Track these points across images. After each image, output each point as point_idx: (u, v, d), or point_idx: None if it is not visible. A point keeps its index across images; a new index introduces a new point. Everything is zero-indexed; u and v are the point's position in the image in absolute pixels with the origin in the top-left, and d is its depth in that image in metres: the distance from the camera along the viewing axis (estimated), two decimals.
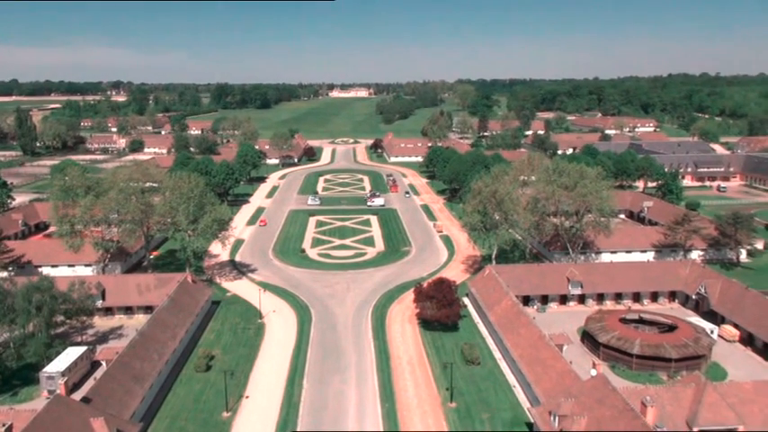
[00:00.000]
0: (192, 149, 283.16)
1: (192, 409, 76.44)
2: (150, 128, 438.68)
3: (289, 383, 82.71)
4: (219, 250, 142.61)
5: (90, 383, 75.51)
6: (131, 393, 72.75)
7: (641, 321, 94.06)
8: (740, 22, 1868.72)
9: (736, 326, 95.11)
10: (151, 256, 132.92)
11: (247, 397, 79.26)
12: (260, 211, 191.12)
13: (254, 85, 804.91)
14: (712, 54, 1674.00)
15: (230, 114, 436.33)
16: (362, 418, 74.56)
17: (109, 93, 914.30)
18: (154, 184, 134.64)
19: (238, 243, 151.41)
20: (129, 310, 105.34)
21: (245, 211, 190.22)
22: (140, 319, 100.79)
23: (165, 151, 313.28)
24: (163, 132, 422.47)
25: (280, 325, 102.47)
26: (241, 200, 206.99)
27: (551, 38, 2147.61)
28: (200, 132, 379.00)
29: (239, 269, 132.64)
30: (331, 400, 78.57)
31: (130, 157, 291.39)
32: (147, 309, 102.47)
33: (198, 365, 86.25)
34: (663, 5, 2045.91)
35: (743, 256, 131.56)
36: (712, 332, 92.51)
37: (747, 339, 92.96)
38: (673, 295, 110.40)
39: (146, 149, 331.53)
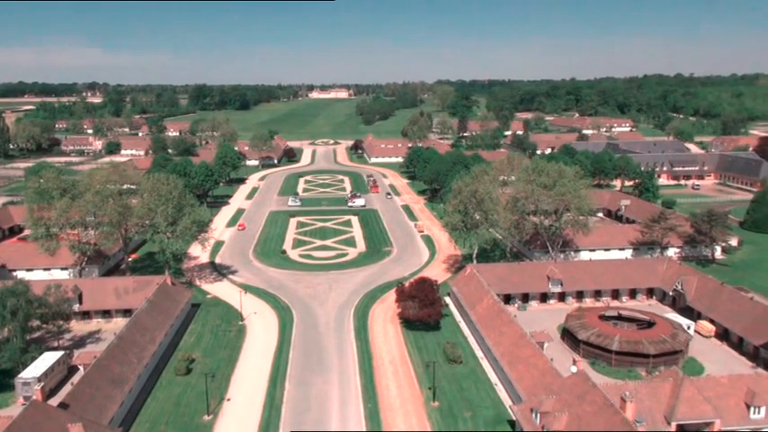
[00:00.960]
0: (170, 151, 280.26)
1: (173, 412, 75.56)
2: (127, 129, 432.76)
3: (271, 385, 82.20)
4: (199, 252, 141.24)
5: (67, 389, 74.35)
6: (110, 398, 71.66)
7: (620, 318, 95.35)
8: (712, 23, 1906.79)
9: (712, 321, 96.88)
10: (129, 259, 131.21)
11: (229, 399, 78.59)
12: (240, 212, 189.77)
13: (233, 87, 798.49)
14: (686, 55, 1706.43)
15: (209, 116, 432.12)
16: (345, 418, 74.39)
17: (84, 94, 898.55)
18: (131, 186, 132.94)
19: (218, 245, 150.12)
20: (107, 313, 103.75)
21: (225, 213, 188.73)
22: (119, 322, 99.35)
23: (142, 153, 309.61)
24: (140, 134, 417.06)
25: (261, 327, 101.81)
26: (221, 201, 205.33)
27: (529, 39, 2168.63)
28: (178, 134, 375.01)
29: (219, 271, 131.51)
30: (313, 401, 78.27)
31: (107, 159, 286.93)
32: (126, 312, 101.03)
33: (178, 368, 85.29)
34: (638, 7, 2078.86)
35: (718, 253, 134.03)
36: (689, 328, 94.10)
37: (723, 334, 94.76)
38: (650, 292, 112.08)
39: (123, 151, 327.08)
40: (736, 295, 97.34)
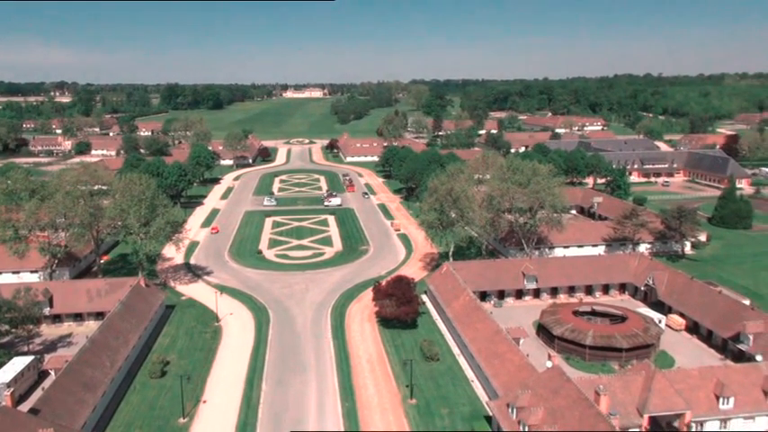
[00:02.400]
0: (142, 151, 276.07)
1: (147, 416, 74.49)
2: (97, 129, 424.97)
3: (247, 386, 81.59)
4: (173, 253, 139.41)
5: (38, 394, 72.61)
6: (82, 403, 70.34)
7: (593, 313, 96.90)
8: (680, 25, 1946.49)
9: (682, 315, 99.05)
10: (101, 261, 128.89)
11: (205, 401, 77.77)
12: (215, 212, 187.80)
13: (206, 86, 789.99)
14: (655, 55, 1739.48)
15: (181, 115, 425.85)
16: (323, 418, 74.22)
17: (52, 93, 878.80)
18: (103, 187, 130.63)
19: (193, 245, 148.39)
20: (78, 316, 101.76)
21: (200, 213, 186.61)
22: (91, 325, 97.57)
23: (113, 153, 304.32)
24: (111, 134, 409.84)
25: (237, 327, 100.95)
26: (195, 202, 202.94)
27: (503, 40, 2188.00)
28: (150, 133, 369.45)
29: (194, 272, 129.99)
30: (291, 401, 77.91)
31: (77, 160, 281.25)
32: (98, 315, 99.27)
33: (152, 371, 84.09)
34: (608, 9, 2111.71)
35: (687, 249, 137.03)
36: (660, 322, 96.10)
37: (693, 328, 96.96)
38: (623, 287, 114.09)
39: (93, 151, 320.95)
40: (706, 289, 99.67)
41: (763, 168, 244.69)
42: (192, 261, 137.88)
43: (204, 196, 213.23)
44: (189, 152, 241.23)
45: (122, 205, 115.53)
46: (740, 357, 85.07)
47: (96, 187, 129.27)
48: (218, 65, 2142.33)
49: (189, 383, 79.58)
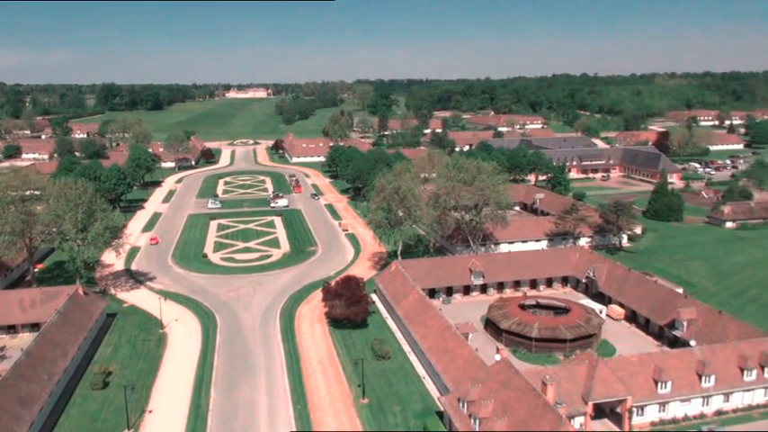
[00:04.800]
0: (77, 154, 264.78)
1: (90, 429, 71.70)
2: (28, 132, 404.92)
3: (195, 394, 79.64)
4: (113, 259, 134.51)
5: None
6: (18, 419, 66.86)
7: (538, 306, 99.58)
8: (613, 27, 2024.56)
9: (621, 305, 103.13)
10: (35, 270, 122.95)
11: (150, 411, 75.44)
12: (156, 216, 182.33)
13: (145, 86, 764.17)
14: (590, 56, 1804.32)
15: (119, 116, 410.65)
16: (274, 422, 73.32)
17: None
18: (35, 192, 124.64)
19: (134, 251, 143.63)
20: (12, 329, 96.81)
21: (141, 217, 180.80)
22: (26, 337, 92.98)
23: (46, 157, 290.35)
24: (43, 136, 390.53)
25: (183, 334, 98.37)
26: (135, 205, 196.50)
27: (446, 40, 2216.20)
28: (85, 136, 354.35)
29: (136, 278, 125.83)
30: (241, 406, 76.57)
31: (6, 164, 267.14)
32: (34, 326, 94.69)
33: (94, 383, 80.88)
34: (545, 11, 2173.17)
35: (624, 241, 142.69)
36: (601, 312, 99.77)
37: (631, 317, 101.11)
38: (565, 280, 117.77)
39: (23, 155, 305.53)
40: (642, 280, 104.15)
41: (693, 163, 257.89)
42: (134, 267, 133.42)
43: (145, 200, 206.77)
44: (128, 155, 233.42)
45: (57, 211, 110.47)
46: (675, 343, 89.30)
47: (28, 192, 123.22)
48: (157, 64, 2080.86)
49: (133, 393, 77.03)
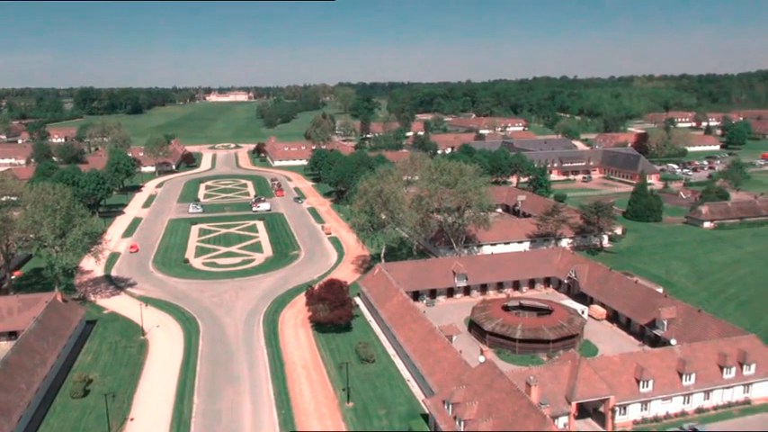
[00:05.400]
0: (54, 159, 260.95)
1: None
2: (4, 137, 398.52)
3: (178, 400, 78.71)
4: (93, 265, 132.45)
5: None
6: None
7: (521, 307, 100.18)
8: (592, 30, 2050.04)
9: (602, 305, 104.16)
10: (13, 277, 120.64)
11: (132, 419, 74.40)
12: (137, 221, 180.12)
13: (124, 90, 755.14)
14: (570, 59, 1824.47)
15: (98, 120, 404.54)
16: (259, 428, 72.72)
17: None
18: (12, 198, 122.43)
19: (114, 257, 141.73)
20: None
21: (121, 223, 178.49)
22: (3, 346, 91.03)
23: (23, 162, 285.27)
24: (20, 141, 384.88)
25: (165, 340, 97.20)
26: (115, 211, 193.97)
27: (427, 43, 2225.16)
28: (63, 140, 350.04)
29: (116, 284, 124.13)
30: (224, 412, 75.83)
31: None
32: (11, 335, 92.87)
33: (74, 391, 79.55)
34: (525, 14, 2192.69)
35: (605, 242, 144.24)
36: (583, 312, 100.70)
37: (613, 316, 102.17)
38: (547, 281, 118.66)
39: (0, 160, 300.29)
40: (623, 280, 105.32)
41: (671, 164, 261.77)
42: (114, 273, 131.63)
43: (125, 205, 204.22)
44: (107, 159, 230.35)
45: (34, 216, 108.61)
46: (656, 342, 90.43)
47: (5, 198, 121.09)
48: (136, 67, 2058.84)
49: (114, 401, 75.97)
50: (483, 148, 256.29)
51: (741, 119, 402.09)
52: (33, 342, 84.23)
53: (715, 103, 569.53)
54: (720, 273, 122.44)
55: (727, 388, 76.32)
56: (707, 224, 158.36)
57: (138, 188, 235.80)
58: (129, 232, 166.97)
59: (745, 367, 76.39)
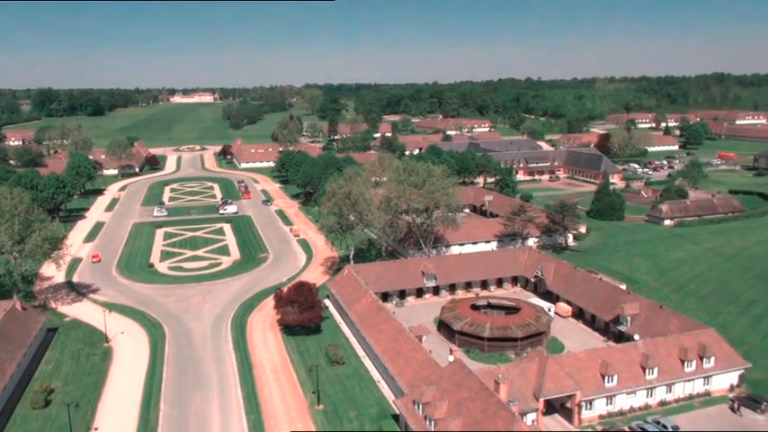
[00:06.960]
0: (11, 162, 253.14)
1: None
2: None
3: (143, 408, 77.13)
4: (53, 272, 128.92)
5: None
6: None
7: (490, 306, 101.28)
8: (554, 32, 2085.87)
9: (568, 302, 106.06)
10: None
11: (96, 429, 72.62)
12: (99, 225, 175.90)
13: (84, 91, 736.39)
14: (534, 61, 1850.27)
15: (57, 122, 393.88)
16: None
17: None
18: None
19: (75, 262, 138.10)
20: None
21: (82, 227, 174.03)
22: None
23: None
24: None
25: (129, 347, 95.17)
26: (76, 215, 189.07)
27: (394, 44, 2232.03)
28: (21, 143, 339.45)
29: (78, 291, 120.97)
30: (192, 419, 74.66)
31: None
32: None
33: (35, 401, 77.21)
34: (489, 16, 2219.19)
35: (570, 240, 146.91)
36: (550, 310, 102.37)
37: (578, 313, 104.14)
38: (515, 280, 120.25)
39: None
40: (588, 277, 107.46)
41: (632, 164, 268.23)
42: (76, 279, 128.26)
43: (86, 209, 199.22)
44: (67, 162, 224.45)
45: None
46: (620, 338, 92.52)
47: None
48: (96, 68, 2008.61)
49: (77, 411, 73.89)
50: (450, 148, 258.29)
51: (698, 120, 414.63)
52: None
53: (673, 104, 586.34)
54: (680, 269, 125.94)
55: (689, 381, 78.56)
56: (667, 222, 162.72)
57: (100, 191, 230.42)
58: (91, 237, 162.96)
59: (704, 360, 78.79)
